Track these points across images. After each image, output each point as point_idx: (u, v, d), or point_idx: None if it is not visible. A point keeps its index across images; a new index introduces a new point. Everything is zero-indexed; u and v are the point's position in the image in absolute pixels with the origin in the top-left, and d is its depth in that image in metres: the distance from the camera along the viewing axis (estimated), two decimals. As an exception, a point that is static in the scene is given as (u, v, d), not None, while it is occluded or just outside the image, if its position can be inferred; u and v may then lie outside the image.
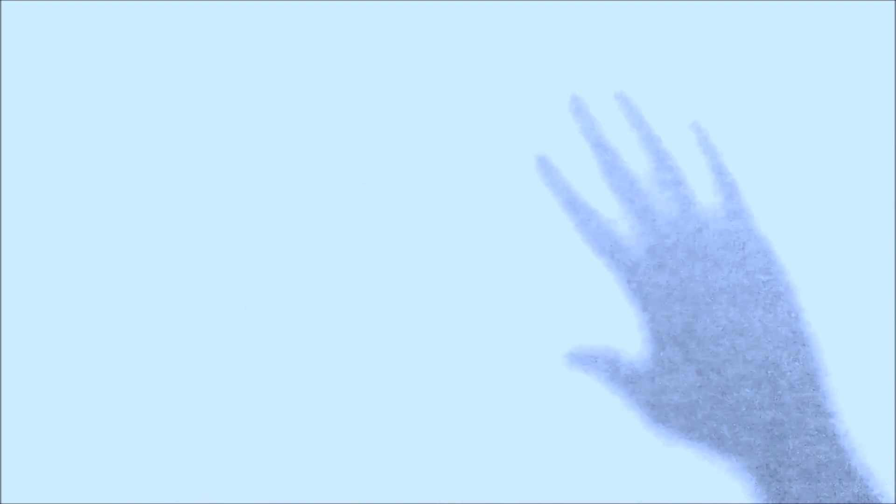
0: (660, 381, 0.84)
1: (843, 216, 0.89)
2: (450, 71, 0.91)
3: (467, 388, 0.87)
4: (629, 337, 0.86)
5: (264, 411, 0.87)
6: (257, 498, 0.86)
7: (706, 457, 0.84)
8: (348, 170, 0.90)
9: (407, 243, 0.89)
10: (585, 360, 0.86)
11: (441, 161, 0.90)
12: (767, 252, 0.87)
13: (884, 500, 0.83)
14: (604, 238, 0.87)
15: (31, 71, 0.91)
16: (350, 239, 0.89)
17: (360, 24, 0.92)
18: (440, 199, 0.89)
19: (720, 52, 0.91)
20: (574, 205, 0.88)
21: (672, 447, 0.85)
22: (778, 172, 0.89)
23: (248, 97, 0.91)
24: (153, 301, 0.88)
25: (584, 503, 0.85)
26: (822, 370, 0.85)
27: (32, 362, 0.87)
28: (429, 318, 0.88)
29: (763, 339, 0.85)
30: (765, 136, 0.90)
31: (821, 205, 0.89)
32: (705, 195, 0.88)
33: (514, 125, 0.90)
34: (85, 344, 0.87)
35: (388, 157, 0.90)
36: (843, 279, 0.88)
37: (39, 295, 0.88)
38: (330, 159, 0.90)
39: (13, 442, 0.86)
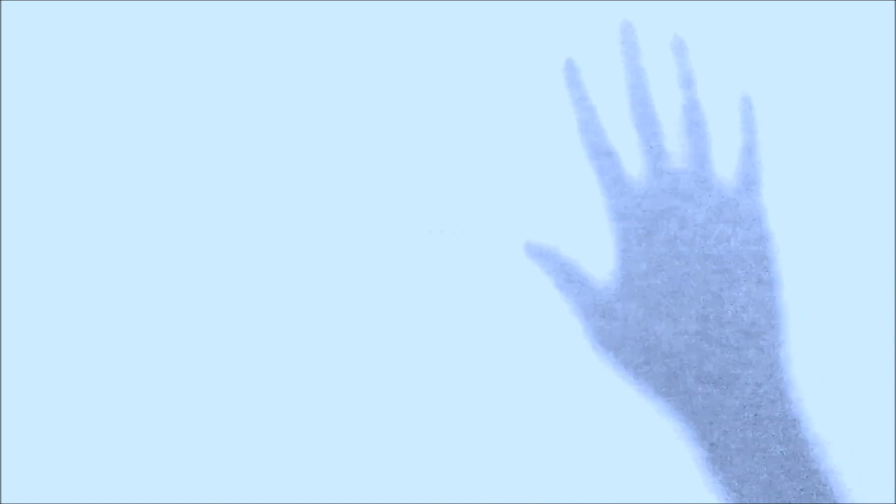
0: (615, 309, 0.84)
1: (843, 215, 0.89)
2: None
3: (464, 373, 0.87)
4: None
5: (264, 411, 0.87)
6: (257, 498, 0.86)
7: (640, 398, 0.85)
8: (348, 169, 0.90)
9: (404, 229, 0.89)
10: (544, 253, 0.85)
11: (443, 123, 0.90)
12: (760, 222, 0.87)
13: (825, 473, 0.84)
14: (609, 165, 0.87)
15: (32, 71, 0.91)
16: (349, 238, 0.89)
17: (359, 22, 0.92)
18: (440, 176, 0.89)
19: (718, 51, 0.91)
20: (589, 120, 0.87)
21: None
22: (776, 172, 0.89)
23: (249, 97, 0.91)
24: (153, 301, 0.88)
25: (583, 503, 0.85)
26: (786, 342, 0.86)
27: (32, 362, 0.87)
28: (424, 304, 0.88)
29: (744, 307, 0.85)
30: (763, 136, 0.90)
31: (820, 204, 0.89)
32: (721, 159, 0.88)
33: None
34: (85, 344, 0.87)
35: (392, 141, 0.90)
36: (842, 273, 0.88)
37: (39, 295, 0.88)
38: (329, 159, 0.90)
39: (13, 442, 0.86)
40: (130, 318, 0.88)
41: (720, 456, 0.84)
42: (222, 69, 0.91)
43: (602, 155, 0.88)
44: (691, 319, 0.85)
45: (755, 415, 0.84)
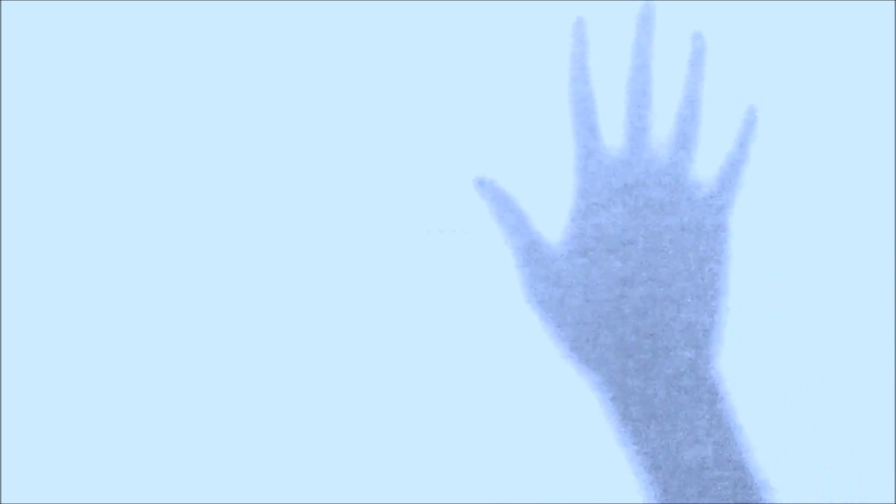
0: (558, 263, 0.85)
1: (842, 217, 0.88)
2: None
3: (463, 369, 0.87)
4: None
5: (260, 411, 0.87)
6: (257, 498, 0.86)
7: (565, 357, 0.85)
8: (346, 169, 0.90)
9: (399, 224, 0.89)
10: (491, 189, 0.87)
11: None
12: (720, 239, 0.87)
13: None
14: (588, 119, 0.87)
15: (32, 71, 0.91)
16: (346, 238, 0.89)
17: (360, 23, 0.92)
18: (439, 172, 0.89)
19: (717, 51, 0.90)
20: (581, 75, 0.88)
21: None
22: (775, 172, 0.89)
23: (247, 97, 0.91)
24: (152, 301, 0.88)
25: (582, 503, 0.85)
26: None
27: (32, 362, 0.87)
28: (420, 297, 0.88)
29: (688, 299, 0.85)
30: (762, 136, 0.89)
31: (819, 206, 0.89)
32: (706, 162, 0.88)
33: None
34: (85, 344, 0.88)
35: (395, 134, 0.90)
36: (841, 273, 0.88)
37: (39, 295, 0.88)
38: (327, 159, 0.90)
39: (13, 442, 0.87)
40: (130, 318, 0.88)
41: (642, 431, 0.83)
42: (222, 69, 0.91)
43: (586, 119, 0.88)
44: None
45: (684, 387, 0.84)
